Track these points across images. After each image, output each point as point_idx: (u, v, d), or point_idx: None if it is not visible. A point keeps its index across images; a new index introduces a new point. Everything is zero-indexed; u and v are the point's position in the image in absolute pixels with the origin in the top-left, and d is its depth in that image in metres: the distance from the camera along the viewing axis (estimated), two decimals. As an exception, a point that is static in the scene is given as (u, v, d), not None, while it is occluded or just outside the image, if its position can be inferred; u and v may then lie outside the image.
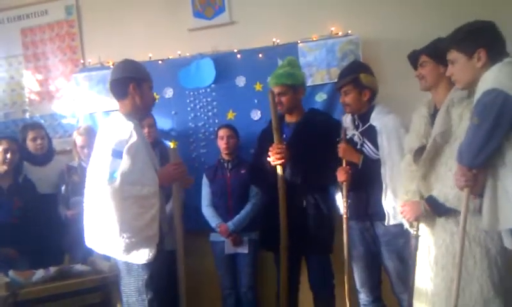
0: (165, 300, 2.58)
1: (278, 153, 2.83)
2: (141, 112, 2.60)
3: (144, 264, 2.37)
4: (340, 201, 2.88)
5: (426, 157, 2.31)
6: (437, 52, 2.36)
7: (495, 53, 2.01)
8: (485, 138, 1.91)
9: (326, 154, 2.85)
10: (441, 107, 2.31)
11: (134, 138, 2.35)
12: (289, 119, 3.05)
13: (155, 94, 3.70)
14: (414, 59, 2.49)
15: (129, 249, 2.32)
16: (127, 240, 2.29)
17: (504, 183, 1.94)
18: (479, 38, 2.04)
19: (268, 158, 2.87)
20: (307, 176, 2.86)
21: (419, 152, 2.37)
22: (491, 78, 1.91)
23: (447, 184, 2.19)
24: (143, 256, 2.35)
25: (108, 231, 2.31)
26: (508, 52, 2.06)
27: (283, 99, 2.98)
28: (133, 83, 2.49)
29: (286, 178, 2.87)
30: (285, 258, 2.85)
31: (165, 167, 2.61)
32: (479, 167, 2.01)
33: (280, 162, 2.83)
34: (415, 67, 2.49)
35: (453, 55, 2.10)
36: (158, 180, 2.40)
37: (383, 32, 3.62)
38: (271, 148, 2.86)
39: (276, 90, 2.97)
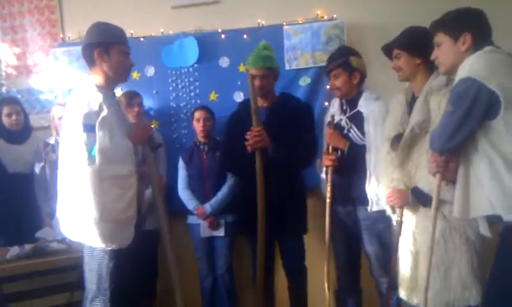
0: (132, 290, 2.41)
1: (257, 136, 2.79)
2: (114, 81, 2.41)
3: (112, 250, 2.23)
4: (324, 184, 2.89)
5: (403, 144, 2.34)
6: (410, 44, 2.38)
7: (480, 39, 2.02)
8: (457, 125, 1.94)
9: (300, 136, 2.87)
10: (419, 96, 2.33)
11: (105, 111, 2.22)
12: (261, 103, 3.01)
13: (136, 73, 3.68)
14: (387, 51, 2.50)
15: (108, 234, 2.19)
16: (106, 225, 2.18)
17: (475, 170, 1.97)
18: (465, 22, 2.04)
19: (246, 142, 2.82)
20: (284, 158, 2.85)
21: (396, 140, 2.39)
22: (468, 67, 1.92)
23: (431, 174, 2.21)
24: (121, 240, 2.23)
25: (85, 217, 2.18)
26: (493, 41, 2.07)
27: (265, 82, 2.95)
28: (98, 49, 2.30)
29: (264, 161, 2.84)
30: (262, 241, 2.84)
31: (132, 127, 2.48)
32: (450, 153, 2.04)
33: (259, 145, 2.80)
34: (391, 58, 2.50)
35: (439, 37, 2.10)
36: (130, 143, 2.29)
37: (368, 17, 3.61)
38: (249, 132, 2.81)
39: (259, 72, 2.94)
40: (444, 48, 2.09)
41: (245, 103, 3.07)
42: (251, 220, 2.87)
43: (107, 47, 2.32)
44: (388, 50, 2.50)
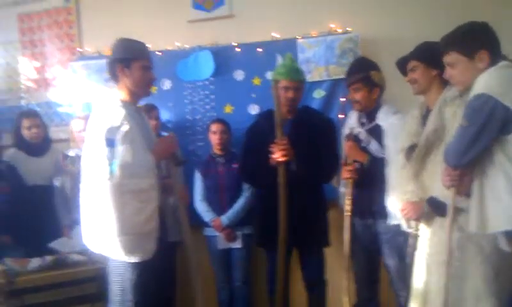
0: (156, 301, 2.45)
1: (283, 149, 2.77)
2: (136, 95, 2.46)
3: (134, 263, 2.27)
4: (343, 197, 2.91)
5: (418, 154, 2.35)
6: (426, 55, 2.40)
7: (495, 54, 2.04)
8: (471, 140, 1.95)
9: (323, 151, 2.88)
10: (434, 107, 2.34)
11: (127, 126, 2.27)
12: (284, 115, 2.98)
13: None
14: (402, 65, 2.52)
15: (129, 247, 2.23)
16: (127, 238, 2.22)
17: (492, 184, 1.97)
18: (479, 39, 2.05)
19: (273, 155, 2.79)
20: (307, 172, 2.86)
21: (410, 151, 2.41)
22: (483, 83, 1.94)
23: None
24: (143, 253, 2.27)
25: (107, 230, 2.23)
26: (504, 54, 2.09)
27: (298, 94, 2.95)
28: (120, 65, 2.37)
29: (288, 174, 2.83)
30: (283, 254, 2.84)
31: (157, 142, 2.53)
32: (464, 168, 2.05)
33: (284, 158, 2.77)
34: (404, 73, 2.51)
35: (452, 57, 2.10)
36: (153, 158, 2.33)
37: (382, 31, 3.63)
38: (274, 145, 2.79)
39: (294, 85, 2.91)
40: (461, 68, 2.09)
41: (266, 115, 3.05)
42: (270, 232, 2.88)
43: (128, 62, 2.39)
44: (403, 63, 2.52)
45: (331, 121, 3.13)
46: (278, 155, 2.76)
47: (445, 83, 2.35)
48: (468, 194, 2.10)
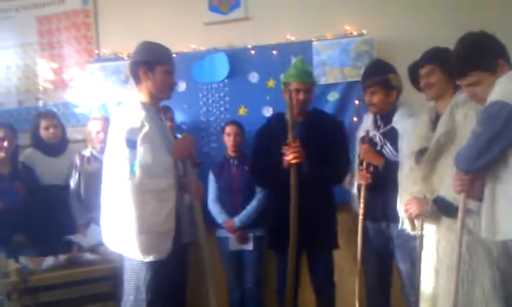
0: (169, 302, 2.47)
1: (295, 151, 2.77)
2: (157, 98, 2.49)
3: (150, 262, 2.29)
4: (356, 200, 2.89)
5: (428, 157, 2.33)
6: (444, 60, 2.36)
7: (509, 59, 2.03)
8: (484, 147, 1.92)
9: (333, 153, 2.88)
10: (445, 110, 2.32)
11: (147, 127, 2.30)
12: (295, 118, 2.98)
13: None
14: (414, 69, 2.48)
15: (147, 246, 2.25)
16: (145, 237, 2.24)
17: (505, 189, 1.94)
18: (494, 51, 2.04)
19: (286, 157, 2.80)
20: (317, 174, 2.85)
21: (420, 154, 2.38)
22: (498, 90, 1.92)
23: None
24: (159, 253, 2.28)
25: (125, 229, 2.26)
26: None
27: (308, 96, 2.96)
28: (143, 67, 2.39)
29: (299, 176, 2.83)
30: (293, 254, 2.84)
31: (174, 143, 2.55)
32: (476, 173, 2.02)
33: (296, 160, 2.78)
34: (413, 78, 2.48)
35: (476, 77, 2.04)
36: (172, 159, 2.36)
37: (397, 33, 3.61)
38: (286, 147, 2.79)
39: (305, 87, 2.92)
40: (486, 85, 2.02)
41: (276, 117, 3.08)
42: (280, 234, 2.88)
43: (152, 65, 2.41)
44: (416, 67, 2.49)
45: (341, 124, 3.14)
46: (290, 157, 2.77)
47: (456, 88, 2.33)
48: (480, 199, 2.08)
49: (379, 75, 2.81)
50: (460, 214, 2.12)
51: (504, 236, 1.97)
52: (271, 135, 2.99)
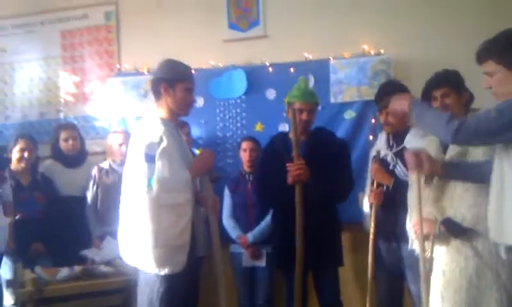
0: None
1: (299, 170, 2.78)
2: (176, 114, 2.53)
3: (164, 275, 2.30)
4: (368, 217, 2.89)
5: (438, 179, 2.30)
6: (458, 83, 2.39)
7: None
8: (491, 131, 1.84)
9: (337, 171, 2.88)
10: None
11: (165, 143, 2.33)
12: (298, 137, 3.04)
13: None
14: (430, 89, 2.47)
15: (162, 259, 2.27)
16: (161, 251, 2.26)
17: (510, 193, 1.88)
18: None
19: (290, 175, 2.81)
20: (322, 192, 2.85)
21: (430, 177, 2.35)
22: None
23: (464, 205, 2.17)
24: (174, 266, 2.30)
25: (141, 242, 2.28)
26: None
27: (311, 116, 2.99)
28: (164, 84, 2.44)
29: (304, 194, 2.83)
30: (299, 272, 2.82)
31: (195, 158, 2.61)
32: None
33: (301, 178, 2.79)
34: (427, 97, 2.47)
35: (491, 66, 1.98)
36: (189, 174, 2.38)
37: (414, 53, 3.63)
38: (291, 164, 2.81)
39: (308, 107, 2.96)
40: (498, 78, 1.96)
41: (280, 136, 3.14)
42: (286, 252, 2.88)
43: (173, 82, 2.46)
44: (431, 88, 2.49)
45: (344, 143, 3.17)
46: (295, 175, 2.79)
47: (467, 110, 2.34)
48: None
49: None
50: (416, 189, 2.19)
51: (509, 240, 1.90)
52: (274, 153, 3.02)
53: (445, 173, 2.26)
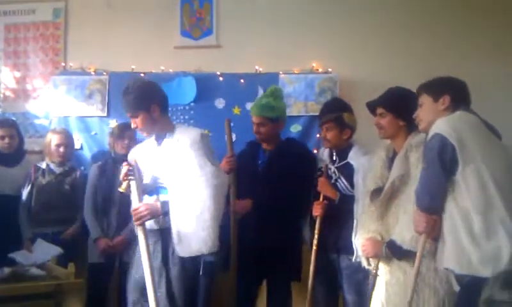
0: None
1: (228, 162, 2.95)
2: None
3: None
4: (308, 232, 2.94)
5: (383, 198, 2.37)
6: (395, 106, 2.45)
7: (457, 102, 2.12)
8: (434, 181, 1.99)
9: (298, 184, 2.90)
10: (399, 152, 2.39)
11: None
12: (265, 146, 3.11)
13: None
14: (372, 107, 2.58)
15: (214, 237, 2.39)
16: (216, 228, 2.39)
17: (452, 222, 1.99)
18: (446, 86, 2.17)
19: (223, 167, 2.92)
20: (279, 203, 2.87)
21: (376, 193, 2.43)
22: (437, 124, 2.01)
23: (404, 227, 2.23)
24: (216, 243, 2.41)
25: (200, 225, 2.37)
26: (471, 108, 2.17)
27: (262, 130, 3.04)
28: None
29: (259, 202, 2.92)
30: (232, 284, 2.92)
31: None
32: (438, 212, 2.04)
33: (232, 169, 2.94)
34: (374, 113, 2.57)
35: (422, 98, 2.22)
36: None
37: (361, 75, 3.76)
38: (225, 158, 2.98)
39: (256, 120, 3.03)
40: (425, 108, 2.20)
41: (251, 144, 3.18)
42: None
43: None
44: (372, 108, 2.58)
45: (311, 157, 3.14)
46: (226, 168, 2.91)
47: (411, 131, 2.40)
48: (436, 239, 2.10)
49: (334, 112, 2.89)
50: (418, 253, 2.11)
51: (441, 264, 2.05)
52: (241, 158, 3.09)
53: None
